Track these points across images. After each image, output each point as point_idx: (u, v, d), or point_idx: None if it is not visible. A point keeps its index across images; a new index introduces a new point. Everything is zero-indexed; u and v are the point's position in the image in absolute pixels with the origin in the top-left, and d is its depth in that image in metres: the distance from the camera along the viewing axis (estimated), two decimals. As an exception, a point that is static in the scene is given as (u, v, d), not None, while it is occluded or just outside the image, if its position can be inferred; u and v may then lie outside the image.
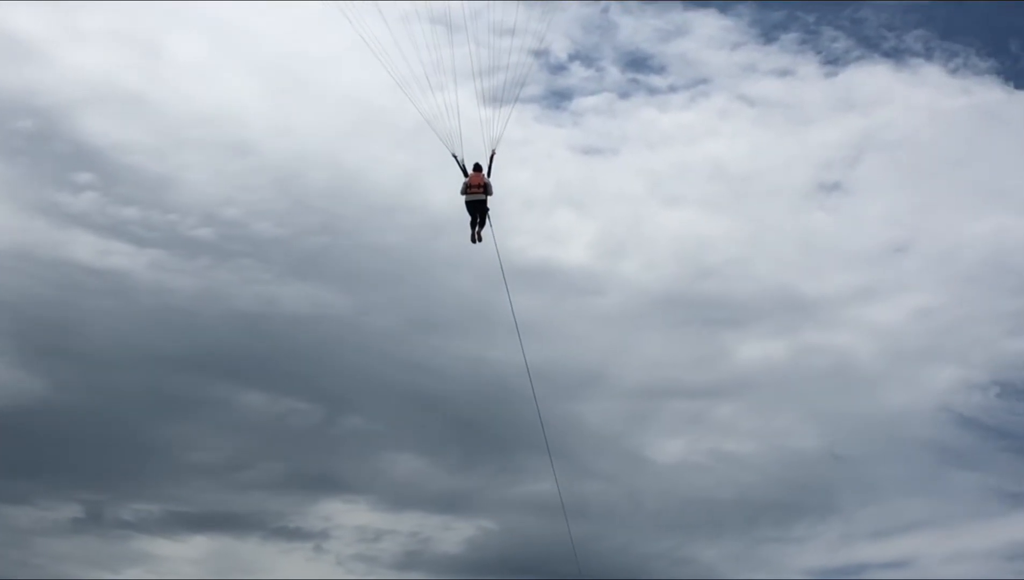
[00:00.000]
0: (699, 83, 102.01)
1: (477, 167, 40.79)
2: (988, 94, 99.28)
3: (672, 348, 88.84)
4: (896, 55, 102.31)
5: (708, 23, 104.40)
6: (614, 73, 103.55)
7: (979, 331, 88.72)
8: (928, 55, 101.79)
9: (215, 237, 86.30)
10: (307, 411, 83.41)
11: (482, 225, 39.82)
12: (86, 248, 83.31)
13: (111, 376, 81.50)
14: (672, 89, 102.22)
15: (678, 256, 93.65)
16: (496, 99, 39.57)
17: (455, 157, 39.72)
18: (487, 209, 39.37)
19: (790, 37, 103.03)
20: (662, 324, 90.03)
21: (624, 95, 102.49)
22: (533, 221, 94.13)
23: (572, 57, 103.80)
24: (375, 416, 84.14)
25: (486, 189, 39.81)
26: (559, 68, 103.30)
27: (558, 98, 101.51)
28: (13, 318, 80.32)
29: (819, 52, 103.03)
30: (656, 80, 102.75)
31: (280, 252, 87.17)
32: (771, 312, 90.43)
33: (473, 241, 40.36)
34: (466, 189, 40.28)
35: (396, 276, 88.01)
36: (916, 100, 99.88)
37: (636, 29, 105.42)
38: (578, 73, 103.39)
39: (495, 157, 38.96)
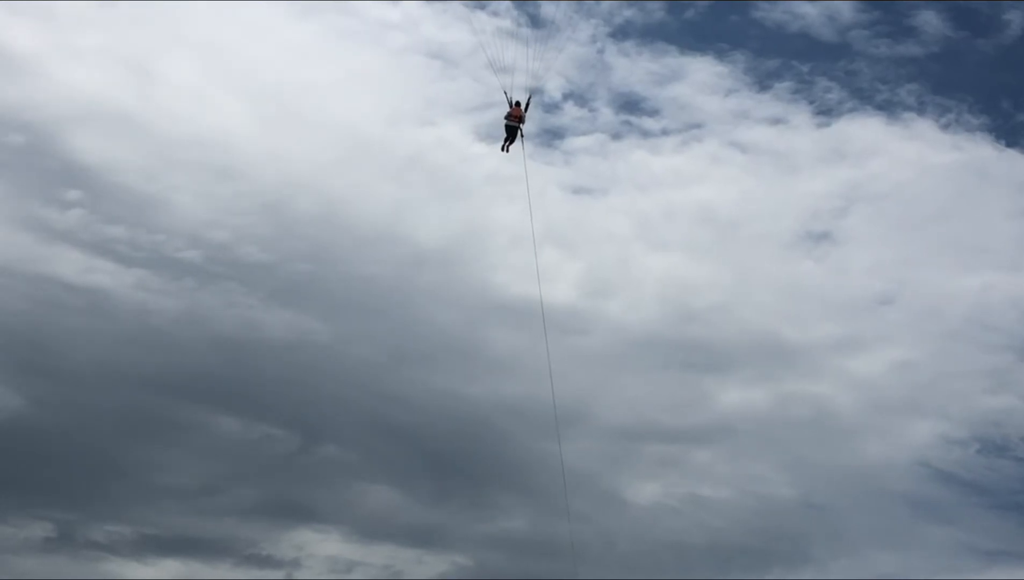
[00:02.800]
0: (692, 128, 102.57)
1: (518, 103, 51.70)
2: (978, 151, 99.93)
3: (653, 391, 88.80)
4: (889, 108, 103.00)
5: (703, 68, 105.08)
6: (607, 114, 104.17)
7: (960, 386, 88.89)
8: (920, 109, 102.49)
9: (200, 259, 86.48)
10: (282, 438, 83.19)
11: (511, 142, 51.52)
12: (70, 265, 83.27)
13: (88, 395, 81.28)
14: (664, 132, 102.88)
15: (663, 299, 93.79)
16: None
17: (504, 92, 51.08)
18: (519, 133, 51.25)
19: (784, 86, 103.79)
20: (644, 366, 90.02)
21: (616, 136, 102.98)
22: (520, 258, 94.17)
23: (566, 96, 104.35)
24: (351, 446, 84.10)
25: (520, 119, 51.25)
26: (552, 107, 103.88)
27: (550, 136, 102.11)
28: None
29: (812, 102, 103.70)
30: (649, 123, 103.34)
31: (265, 277, 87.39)
32: (753, 359, 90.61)
33: (502, 150, 52.24)
34: (508, 117, 51.72)
35: (379, 307, 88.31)
36: (907, 154, 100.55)
37: (631, 71, 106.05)
38: (571, 112, 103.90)
39: (532, 98, 51.27)
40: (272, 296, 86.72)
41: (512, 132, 51.57)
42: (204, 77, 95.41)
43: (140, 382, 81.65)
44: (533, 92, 51.24)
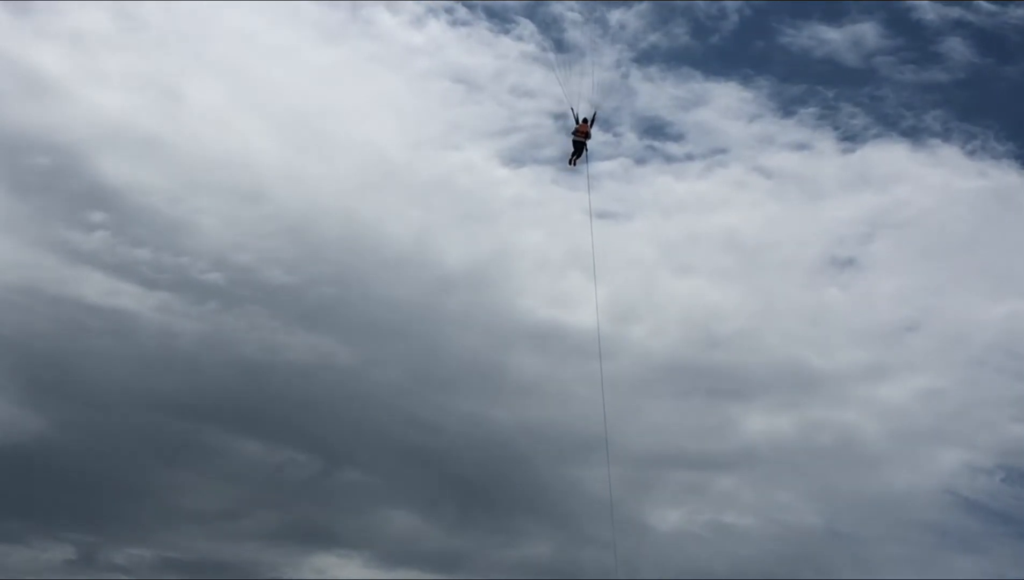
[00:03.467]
0: (716, 153, 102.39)
1: (584, 120, 53.81)
2: (1004, 177, 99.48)
3: (677, 417, 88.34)
4: (914, 134, 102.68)
5: (727, 93, 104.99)
6: (631, 139, 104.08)
7: (986, 415, 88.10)
8: (946, 136, 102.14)
9: (225, 282, 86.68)
10: (305, 462, 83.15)
11: (578, 157, 53.76)
12: (94, 287, 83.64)
13: (111, 417, 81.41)
14: (689, 157, 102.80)
15: (687, 324, 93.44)
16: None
17: (571, 109, 53.42)
18: (585, 148, 53.66)
19: (808, 112, 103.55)
20: (668, 392, 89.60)
21: (641, 161, 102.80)
22: (544, 282, 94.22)
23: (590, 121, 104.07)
24: (373, 470, 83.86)
25: (587, 135, 53.44)
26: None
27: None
28: (16, 354, 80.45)
29: (837, 128, 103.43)
30: (673, 148, 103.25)
31: (289, 301, 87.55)
32: (778, 386, 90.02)
33: (569, 164, 54.74)
34: (575, 133, 53.93)
35: (403, 331, 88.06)
36: (932, 180, 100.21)
37: (655, 96, 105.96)
38: (596, 137, 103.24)
39: (597, 115, 53.55)
40: (296, 319, 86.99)
41: (579, 147, 54.00)
42: (229, 100, 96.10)
43: (163, 405, 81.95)
44: (598, 109, 53.35)
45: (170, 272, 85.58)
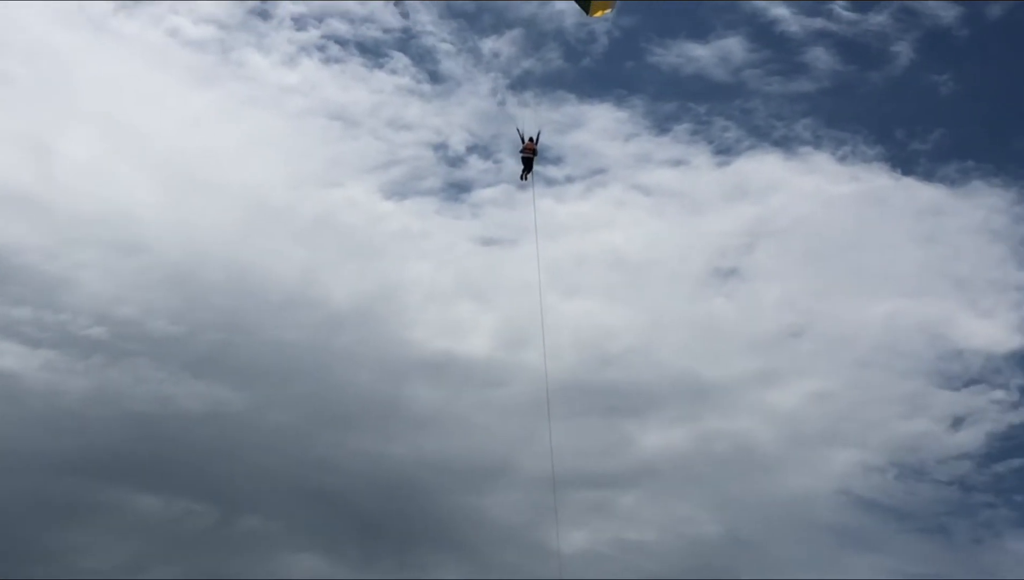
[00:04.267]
0: (595, 173, 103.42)
1: (531, 138, 56.12)
2: (876, 180, 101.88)
3: (575, 438, 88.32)
4: (785, 144, 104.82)
5: (602, 115, 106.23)
6: (511, 165, 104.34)
7: (875, 414, 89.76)
8: (817, 143, 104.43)
9: (108, 336, 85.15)
10: (203, 512, 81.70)
11: (528, 172, 56.53)
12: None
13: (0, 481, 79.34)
14: (569, 180, 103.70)
15: (580, 345, 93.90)
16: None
17: (517, 129, 55.87)
18: (532, 164, 56.23)
19: (682, 128, 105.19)
20: (565, 413, 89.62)
21: (522, 187, 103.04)
22: (435, 313, 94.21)
23: (470, 150, 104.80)
24: (273, 515, 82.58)
25: (534, 152, 55.97)
26: (457, 161, 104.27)
27: (457, 190, 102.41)
28: None
29: (711, 142, 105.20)
30: (553, 171, 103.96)
31: (175, 350, 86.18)
32: (672, 399, 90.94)
33: (521, 179, 57.55)
34: (524, 150, 56.51)
35: (295, 372, 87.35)
36: (806, 187, 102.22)
37: (532, 121, 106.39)
38: (476, 165, 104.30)
39: (541, 133, 55.83)
40: (184, 368, 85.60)
41: (528, 163, 56.77)
42: (102, 150, 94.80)
43: (53, 465, 79.83)
44: (542, 128, 56.00)
45: (52, 330, 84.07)
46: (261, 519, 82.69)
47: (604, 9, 48.31)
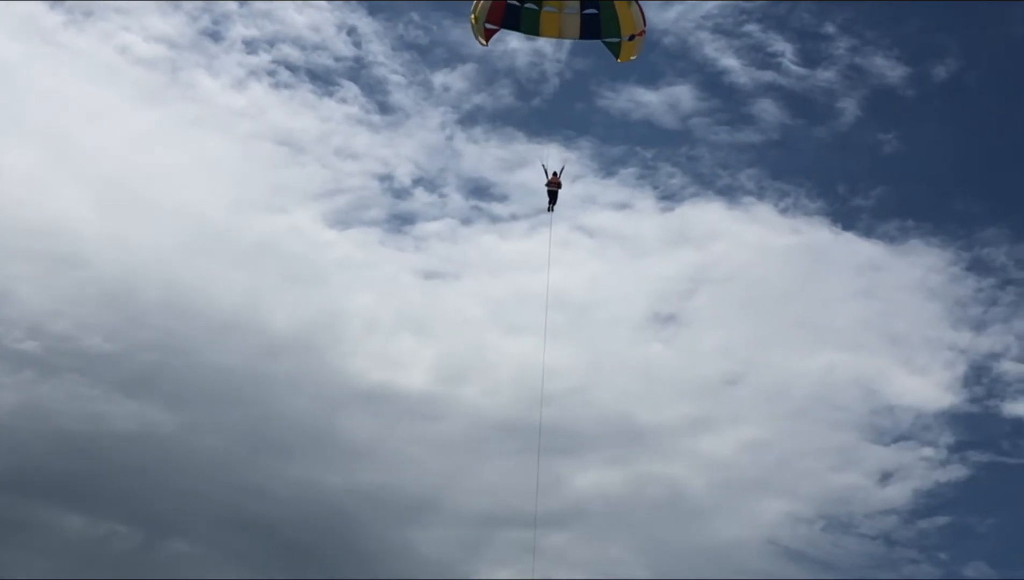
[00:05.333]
0: (540, 212, 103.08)
1: (555, 173, 56.47)
2: (816, 233, 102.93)
3: (508, 476, 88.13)
4: (729, 193, 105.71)
5: (549, 155, 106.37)
6: (457, 199, 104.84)
7: (806, 465, 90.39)
8: (760, 194, 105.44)
9: (41, 351, 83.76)
10: (128, 534, 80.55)
11: (553, 204, 56.74)
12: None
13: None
14: (514, 217, 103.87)
15: (518, 383, 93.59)
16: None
17: (543, 165, 55.70)
18: (557, 196, 56.42)
19: (628, 172, 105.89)
20: (499, 451, 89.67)
21: (466, 221, 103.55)
22: (375, 344, 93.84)
23: (416, 182, 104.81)
24: (200, 540, 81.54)
25: (558, 185, 56.49)
26: (403, 192, 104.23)
27: (400, 222, 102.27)
28: None
29: (656, 187, 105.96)
30: (498, 208, 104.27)
31: (109, 368, 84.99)
32: (608, 441, 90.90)
33: (549, 211, 57.45)
34: (549, 184, 56.59)
35: (230, 397, 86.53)
36: (748, 237, 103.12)
37: (479, 157, 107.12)
38: (421, 198, 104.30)
39: (564, 167, 56.14)
40: (117, 387, 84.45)
41: (553, 196, 57.01)
42: (45, 165, 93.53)
43: (-23, 481, 78.54)
44: (566, 163, 56.53)
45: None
46: (187, 543, 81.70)
47: (632, 54, 48.20)
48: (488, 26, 47.99)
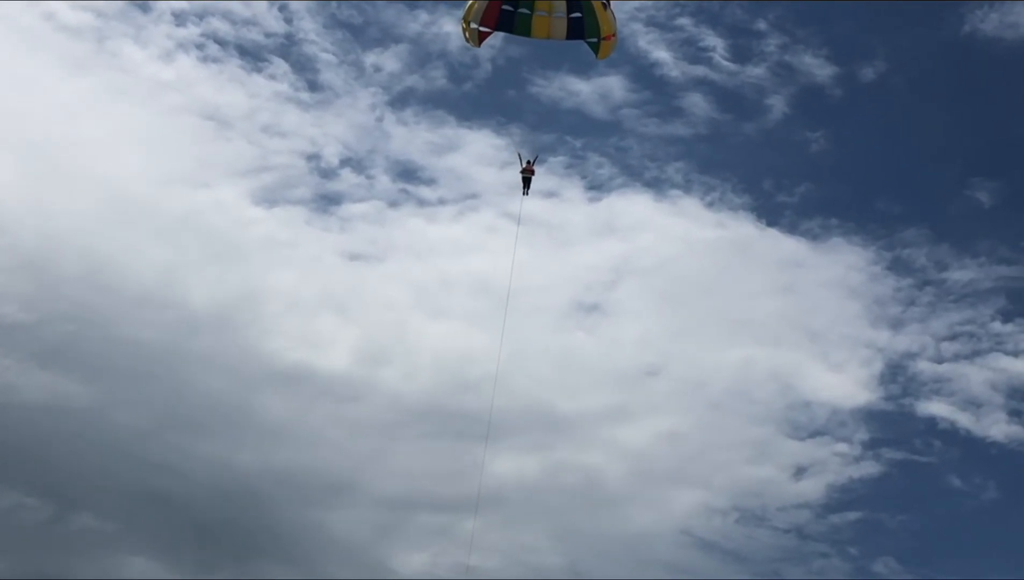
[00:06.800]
0: (468, 198, 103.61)
1: (529, 161, 58.16)
2: (741, 228, 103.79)
3: (425, 460, 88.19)
4: (656, 185, 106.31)
5: (480, 140, 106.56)
6: (385, 181, 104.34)
7: (722, 457, 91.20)
8: (687, 187, 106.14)
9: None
10: (35, 506, 79.08)
11: (527, 189, 58.24)
12: None
13: None
14: (441, 202, 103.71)
15: (438, 367, 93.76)
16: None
17: (518, 153, 57.83)
18: (531, 182, 58.09)
19: (557, 160, 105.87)
20: (417, 435, 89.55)
21: (393, 204, 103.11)
22: (295, 324, 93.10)
23: (344, 163, 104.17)
24: (110, 515, 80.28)
25: (532, 172, 58.07)
26: (330, 173, 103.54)
27: (327, 202, 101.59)
28: None
29: (584, 177, 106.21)
30: (426, 192, 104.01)
31: (23, 338, 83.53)
32: (526, 428, 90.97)
33: (524, 195, 58.68)
34: (524, 171, 58.17)
35: (146, 372, 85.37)
36: (673, 229, 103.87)
37: (409, 140, 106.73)
38: (349, 179, 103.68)
39: (537, 157, 57.98)
40: (30, 357, 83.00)
41: (527, 181, 58.61)
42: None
43: None
44: (539, 153, 58.48)
45: None
46: (97, 518, 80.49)
47: (609, 52, 51.76)
48: (482, 29, 50.93)
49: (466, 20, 51.43)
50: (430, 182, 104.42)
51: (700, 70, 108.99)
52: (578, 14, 49.94)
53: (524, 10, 49.88)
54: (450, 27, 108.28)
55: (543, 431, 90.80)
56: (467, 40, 52.31)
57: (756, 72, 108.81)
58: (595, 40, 51.01)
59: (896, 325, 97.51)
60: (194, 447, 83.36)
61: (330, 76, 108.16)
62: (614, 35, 51.20)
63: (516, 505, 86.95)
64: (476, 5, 50.79)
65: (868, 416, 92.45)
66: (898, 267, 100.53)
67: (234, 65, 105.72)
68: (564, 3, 49.71)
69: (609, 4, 50.48)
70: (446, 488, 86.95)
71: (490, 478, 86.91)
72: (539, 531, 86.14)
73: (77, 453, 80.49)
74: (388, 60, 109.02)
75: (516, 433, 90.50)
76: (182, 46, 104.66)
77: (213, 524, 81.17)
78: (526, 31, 50.36)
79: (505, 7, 50.14)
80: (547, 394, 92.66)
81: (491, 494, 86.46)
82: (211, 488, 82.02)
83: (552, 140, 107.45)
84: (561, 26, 50.21)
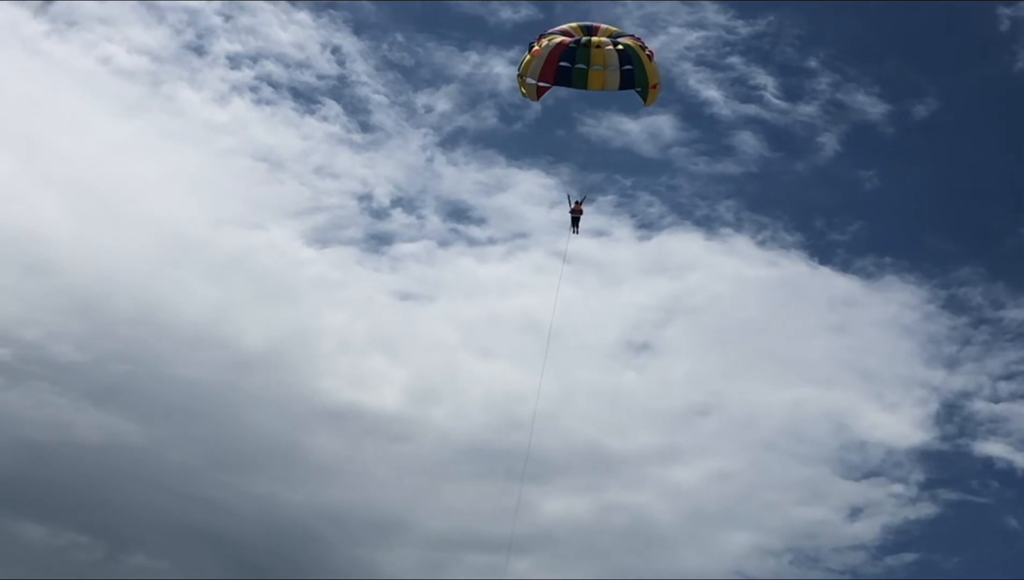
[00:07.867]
0: (517, 237, 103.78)
1: (578, 201, 59.37)
2: (792, 267, 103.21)
3: (475, 499, 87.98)
4: (707, 224, 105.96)
5: (529, 180, 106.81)
6: (435, 221, 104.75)
7: (774, 498, 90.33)
8: (738, 226, 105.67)
9: (10, 358, 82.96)
10: (89, 545, 79.71)
11: (576, 227, 59.30)
12: None
13: None
14: (491, 241, 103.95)
15: (488, 407, 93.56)
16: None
17: (568, 195, 59.03)
18: (579, 221, 59.11)
19: (607, 199, 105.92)
20: (467, 474, 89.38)
21: (444, 244, 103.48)
22: (346, 363, 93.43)
23: (395, 203, 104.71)
24: (161, 553, 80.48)
25: (581, 212, 58.98)
26: (381, 213, 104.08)
27: (378, 242, 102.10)
28: None
29: (634, 216, 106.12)
30: (476, 231, 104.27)
31: (78, 378, 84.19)
32: (576, 468, 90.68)
33: (573, 233, 59.67)
34: (573, 211, 59.13)
35: (198, 411, 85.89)
36: (724, 268, 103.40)
37: (459, 180, 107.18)
38: (399, 219, 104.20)
39: (586, 197, 59.19)
40: (85, 397, 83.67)
41: (576, 221, 59.71)
42: (19, 171, 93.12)
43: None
44: (587, 194, 59.78)
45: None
46: (149, 556, 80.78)
47: (655, 99, 54.31)
48: (541, 84, 52.97)
49: (522, 75, 53.36)
50: (480, 222, 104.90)
51: (751, 109, 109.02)
52: (629, 66, 52.25)
53: (581, 65, 52.05)
54: (500, 68, 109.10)
55: (593, 471, 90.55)
56: (523, 94, 54.14)
57: (807, 110, 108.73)
58: (643, 88, 53.19)
59: (951, 364, 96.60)
60: (245, 486, 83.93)
61: (381, 117, 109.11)
62: (659, 84, 53.66)
63: (566, 545, 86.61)
64: (533, 62, 52.68)
65: (924, 456, 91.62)
66: (953, 305, 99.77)
67: (287, 107, 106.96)
68: (616, 57, 52.04)
69: (653, 57, 53.22)
70: (494, 528, 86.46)
71: (540, 518, 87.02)
72: (589, 571, 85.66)
73: (130, 492, 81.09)
74: (439, 101, 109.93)
75: (566, 473, 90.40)
76: (236, 89, 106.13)
77: (263, 562, 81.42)
78: (583, 84, 52.54)
79: (563, 64, 52.30)
80: (597, 434, 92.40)
81: (541, 534, 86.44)
82: (262, 526, 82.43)
83: (601, 179, 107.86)
84: (615, 78, 52.40)
